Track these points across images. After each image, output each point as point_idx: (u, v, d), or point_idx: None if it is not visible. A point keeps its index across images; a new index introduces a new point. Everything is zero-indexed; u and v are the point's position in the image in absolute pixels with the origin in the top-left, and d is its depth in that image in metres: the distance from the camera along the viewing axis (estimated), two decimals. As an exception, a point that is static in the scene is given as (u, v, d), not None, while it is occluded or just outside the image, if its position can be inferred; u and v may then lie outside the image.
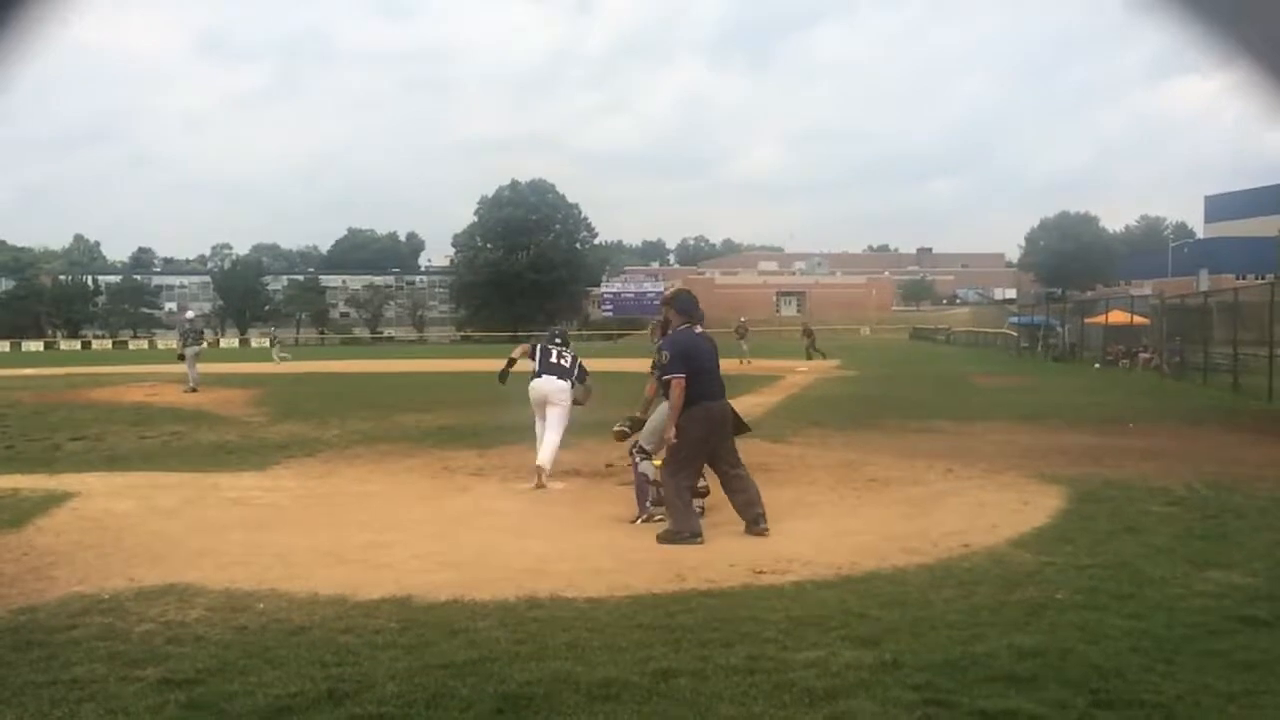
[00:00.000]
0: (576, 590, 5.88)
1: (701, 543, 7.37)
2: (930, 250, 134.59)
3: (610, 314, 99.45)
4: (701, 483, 8.28)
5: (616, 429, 9.37)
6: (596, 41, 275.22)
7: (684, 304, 8.37)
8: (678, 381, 7.78)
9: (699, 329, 8.25)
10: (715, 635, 4.96)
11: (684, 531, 7.49)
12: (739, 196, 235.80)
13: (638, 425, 9.06)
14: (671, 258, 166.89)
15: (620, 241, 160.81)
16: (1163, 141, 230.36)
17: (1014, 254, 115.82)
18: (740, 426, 8.39)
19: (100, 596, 5.77)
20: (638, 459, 8.73)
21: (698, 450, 7.85)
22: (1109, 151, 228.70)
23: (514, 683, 4.27)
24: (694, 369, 7.83)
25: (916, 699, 4.10)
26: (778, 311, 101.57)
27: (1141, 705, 4.04)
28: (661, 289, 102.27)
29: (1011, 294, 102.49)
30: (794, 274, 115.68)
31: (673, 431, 7.73)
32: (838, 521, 8.19)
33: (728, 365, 10.28)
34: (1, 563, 6.78)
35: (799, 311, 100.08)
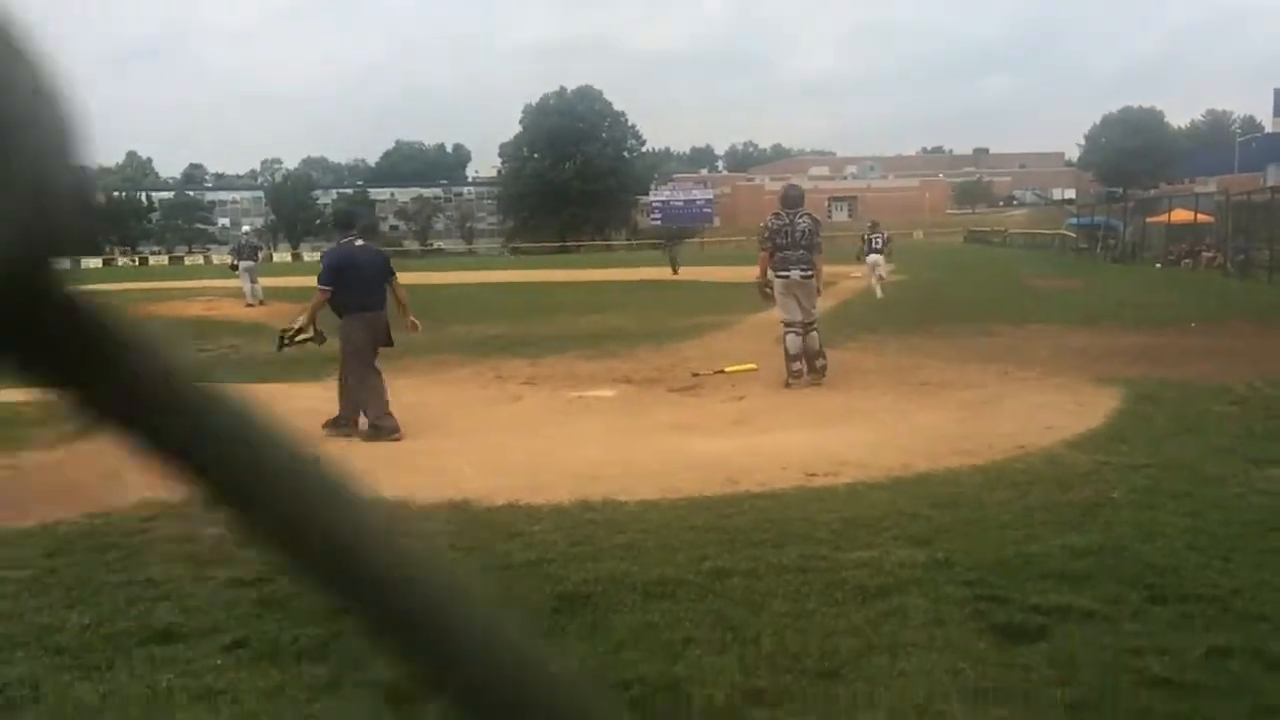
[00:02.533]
0: (629, 494, 5.95)
1: (399, 438, 8.08)
2: (987, 151, 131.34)
3: (659, 222, 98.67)
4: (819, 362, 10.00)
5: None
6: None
7: (342, 218, 10.11)
8: (322, 293, 8.57)
9: (360, 242, 8.94)
10: (768, 536, 5.01)
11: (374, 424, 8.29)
12: (788, 100, 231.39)
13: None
14: (720, 164, 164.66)
15: (668, 149, 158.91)
16: (1232, 31, 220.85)
17: (1074, 153, 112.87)
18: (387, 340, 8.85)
19: (171, 501, 5.95)
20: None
21: (364, 352, 8.50)
22: (1175, 43, 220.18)
23: (571, 582, 4.36)
24: (346, 281, 8.46)
25: (969, 595, 4.13)
26: (829, 217, 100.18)
27: (1198, 599, 4.04)
28: (710, 195, 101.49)
29: (1071, 194, 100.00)
30: (846, 179, 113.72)
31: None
32: (891, 425, 8.17)
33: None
34: (75, 470, 7.00)
35: (851, 217, 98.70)
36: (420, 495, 5.98)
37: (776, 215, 10.64)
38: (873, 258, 25.02)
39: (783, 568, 4.51)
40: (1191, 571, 4.38)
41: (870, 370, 11.18)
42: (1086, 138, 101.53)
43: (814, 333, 10.51)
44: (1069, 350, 12.26)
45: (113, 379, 0.28)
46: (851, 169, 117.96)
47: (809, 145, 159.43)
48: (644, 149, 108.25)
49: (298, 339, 9.20)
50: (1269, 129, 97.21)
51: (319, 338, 9.13)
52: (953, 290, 24.11)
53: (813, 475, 6.37)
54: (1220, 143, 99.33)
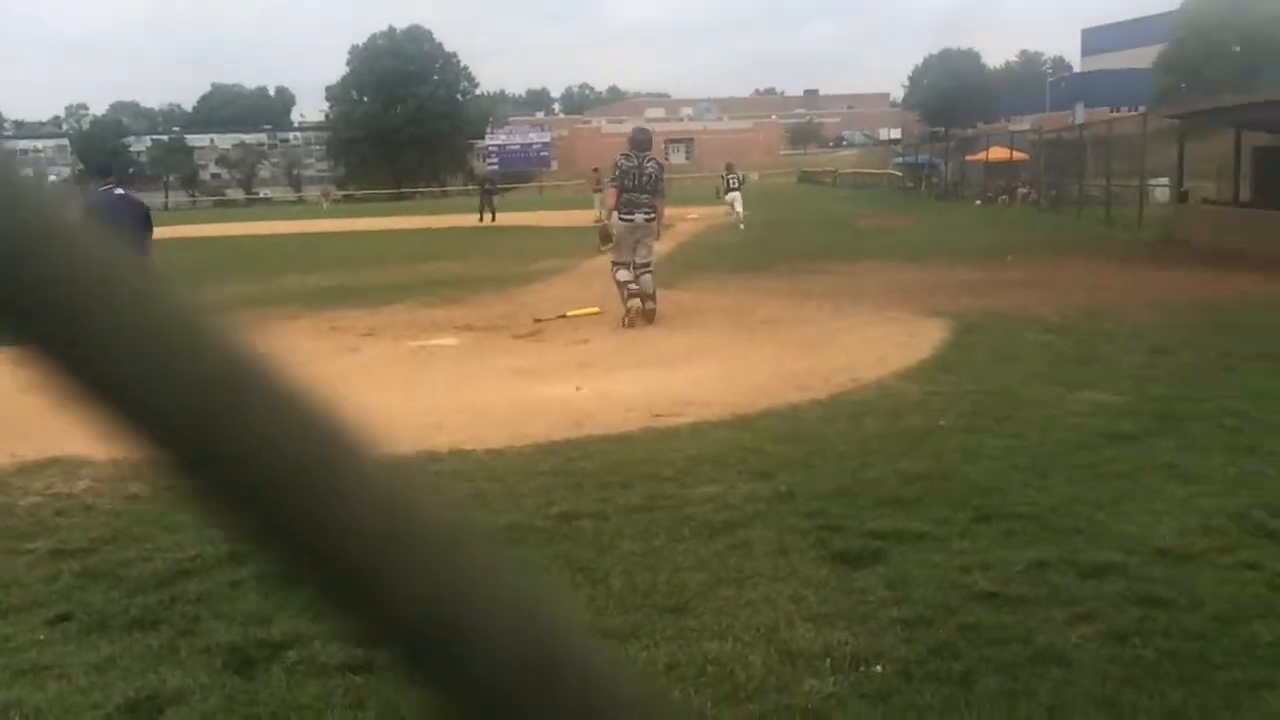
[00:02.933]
0: (476, 442, 5.90)
1: None
2: (817, 92, 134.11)
3: (496, 167, 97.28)
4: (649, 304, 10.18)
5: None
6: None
7: (100, 167, 9.27)
8: None
9: (120, 191, 8.50)
10: (615, 478, 5.05)
11: None
12: (624, 42, 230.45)
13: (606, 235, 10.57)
14: (556, 107, 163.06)
15: (503, 92, 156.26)
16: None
17: (899, 94, 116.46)
18: None
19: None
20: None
21: None
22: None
23: (417, 534, 4.30)
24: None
25: (810, 525, 4.27)
26: (667, 158, 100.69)
27: (1019, 517, 4.29)
28: (547, 139, 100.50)
29: (896, 134, 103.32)
30: (682, 120, 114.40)
31: None
32: (732, 363, 8.33)
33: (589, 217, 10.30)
34: None
35: (688, 159, 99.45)
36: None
37: (626, 156, 10.79)
38: (731, 195, 28.03)
39: (630, 508, 4.56)
40: (1013, 490, 4.64)
41: (711, 310, 11.36)
42: (910, 79, 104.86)
43: (647, 275, 10.61)
44: (898, 285, 12.74)
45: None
46: (687, 111, 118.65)
47: (645, 88, 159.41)
48: (478, 92, 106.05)
49: None
50: (1077, 69, 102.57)
51: None
52: (788, 231, 24.67)
53: (658, 416, 6.44)
54: (1033, 82, 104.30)
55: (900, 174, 51.03)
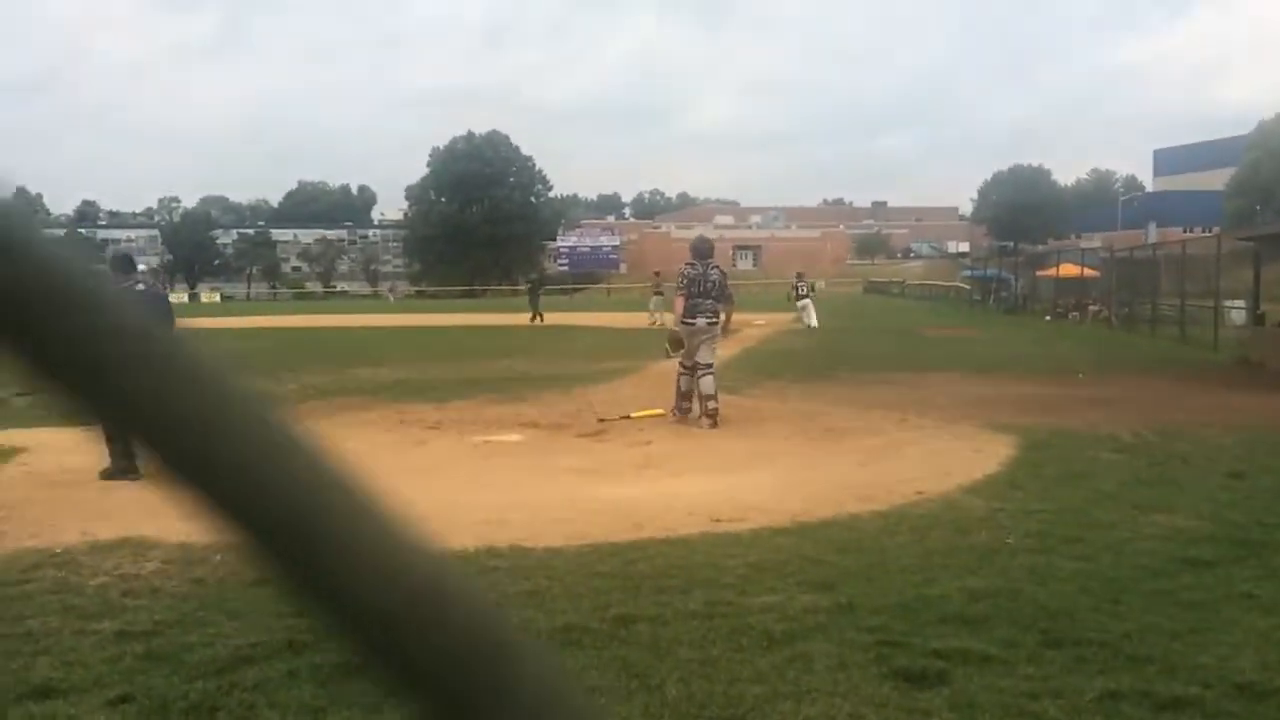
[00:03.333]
0: (535, 540, 5.90)
1: (136, 479, 7.41)
2: (885, 204, 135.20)
3: (566, 268, 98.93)
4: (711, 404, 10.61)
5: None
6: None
7: (121, 262, 9.43)
8: None
9: (142, 286, 8.98)
10: (673, 582, 5.01)
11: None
12: (694, 149, 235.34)
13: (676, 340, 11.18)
14: (627, 211, 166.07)
15: (576, 195, 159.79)
16: (1114, 94, 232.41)
17: (967, 207, 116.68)
18: None
19: (53, 550, 5.70)
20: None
21: None
22: (1063, 104, 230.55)
23: (474, 630, 4.29)
24: None
25: (871, 640, 4.18)
26: (734, 265, 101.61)
27: (1090, 644, 4.15)
28: (617, 242, 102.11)
29: (965, 247, 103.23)
30: (750, 228, 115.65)
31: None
32: (794, 471, 8.27)
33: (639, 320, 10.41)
34: (-50, 518, 6.67)
35: (755, 266, 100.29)
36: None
37: (690, 265, 11.22)
38: (801, 302, 30.47)
39: (688, 613, 4.51)
40: (1084, 614, 4.50)
41: (774, 416, 11.32)
42: (979, 193, 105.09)
43: (708, 377, 10.85)
44: (965, 398, 12.60)
45: (60, 331, 0.26)
46: (756, 219, 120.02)
47: (714, 194, 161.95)
48: (551, 195, 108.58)
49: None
50: (1150, 188, 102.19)
51: None
52: (854, 339, 24.63)
53: (718, 520, 6.40)
54: (1104, 202, 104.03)
55: (968, 286, 50.81)
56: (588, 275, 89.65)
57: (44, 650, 4.11)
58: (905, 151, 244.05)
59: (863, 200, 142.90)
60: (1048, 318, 35.55)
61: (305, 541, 0.33)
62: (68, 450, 9.38)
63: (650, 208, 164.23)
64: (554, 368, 17.23)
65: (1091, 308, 34.16)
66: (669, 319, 24.21)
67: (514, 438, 10.23)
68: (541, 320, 33.29)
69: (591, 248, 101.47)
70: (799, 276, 31.77)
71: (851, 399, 12.72)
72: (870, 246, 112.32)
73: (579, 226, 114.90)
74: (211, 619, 4.45)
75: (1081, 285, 36.64)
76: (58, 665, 3.95)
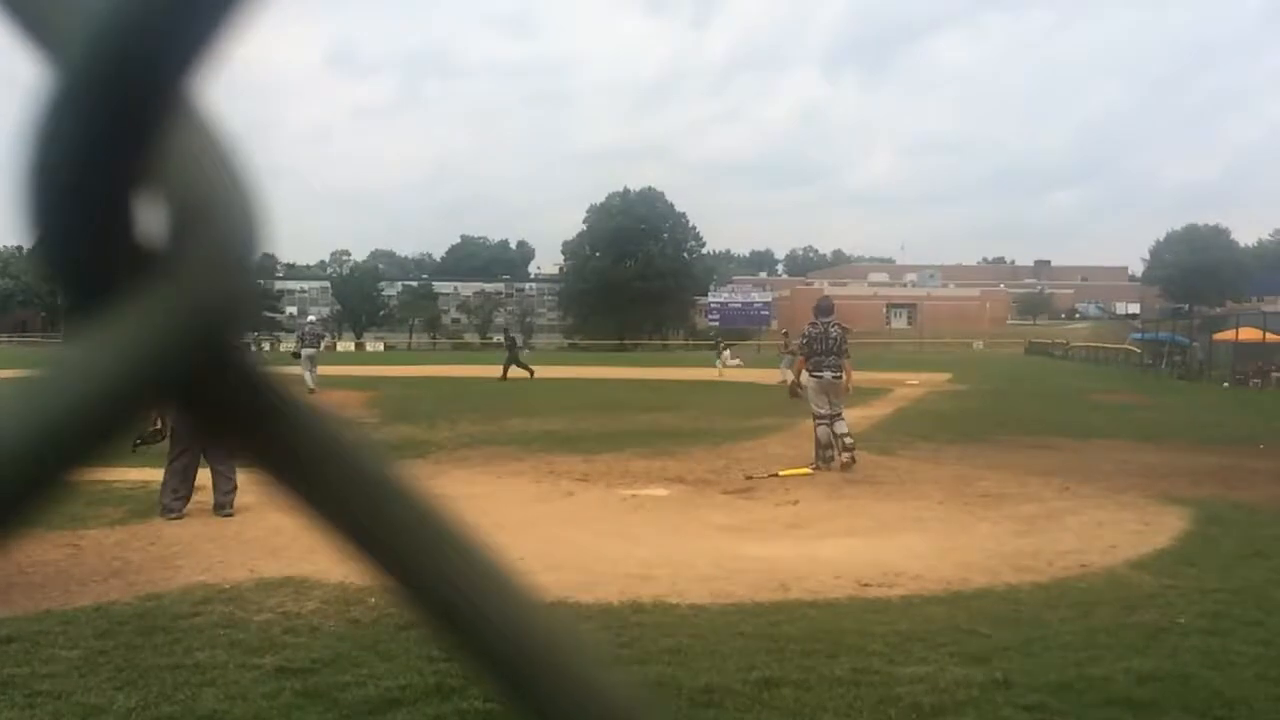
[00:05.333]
0: (679, 596, 5.88)
1: (178, 517, 8.32)
2: (1048, 263, 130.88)
3: (716, 323, 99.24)
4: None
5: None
6: (710, 53, 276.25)
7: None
8: None
9: None
10: (819, 646, 4.90)
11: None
12: (850, 208, 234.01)
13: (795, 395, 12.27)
14: (780, 268, 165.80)
15: (728, 251, 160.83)
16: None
17: (1138, 268, 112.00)
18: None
19: (221, 586, 6.00)
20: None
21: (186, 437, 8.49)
22: (1242, 162, 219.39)
23: (616, 685, 4.29)
24: None
25: (1028, 719, 3.98)
26: (888, 324, 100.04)
27: (1270, 737, 3.85)
28: (769, 299, 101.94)
29: (1135, 309, 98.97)
30: (905, 286, 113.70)
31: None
32: (948, 537, 8.00)
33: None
34: (130, 551, 7.11)
35: (910, 324, 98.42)
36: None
37: (813, 324, 12.16)
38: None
39: (834, 680, 4.40)
40: (1262, 703, 4.19)
41: (927, 479, 11.01)
42: (1151, 253, 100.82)
43: (840, 421, 11.75)
44: (1133, 467, 11.98)
45: (279, 440, 0.30)
46: (911, 276, 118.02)
47: (869, 252, 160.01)
48: (704, 251, 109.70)
49: (148, 437, 8.88)
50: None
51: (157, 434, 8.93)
52: (1013, 402, 23.81)
53: (866, 585, 6.24)
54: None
55: (1138, 350, 48.49)
56: (738, 332, 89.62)
57: (210, 682, 4.31)
58: (1071, 209, 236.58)
59: (1025, 259, 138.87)
60: (1226, 384, 33.57)
61: (448, 601, 0.35)
62: (238, 490, 9.89)
63: (804, 264, 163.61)
64: (702, 423, 17.25)
65: (1275, 374, 32.10)
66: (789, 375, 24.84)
67: (660, 492, 10.25)
68: (504, 379, 31.59)
69: (743, 304, 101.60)
70: (786, 335, 32.25)
71: (1009, 464, 12.26)
72: (1033, 306, 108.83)
73: (731, 283, 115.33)
74: (365, 659, 4.59)
75: (1264, 350, 34.50)
76: (222, 698, 4.13)
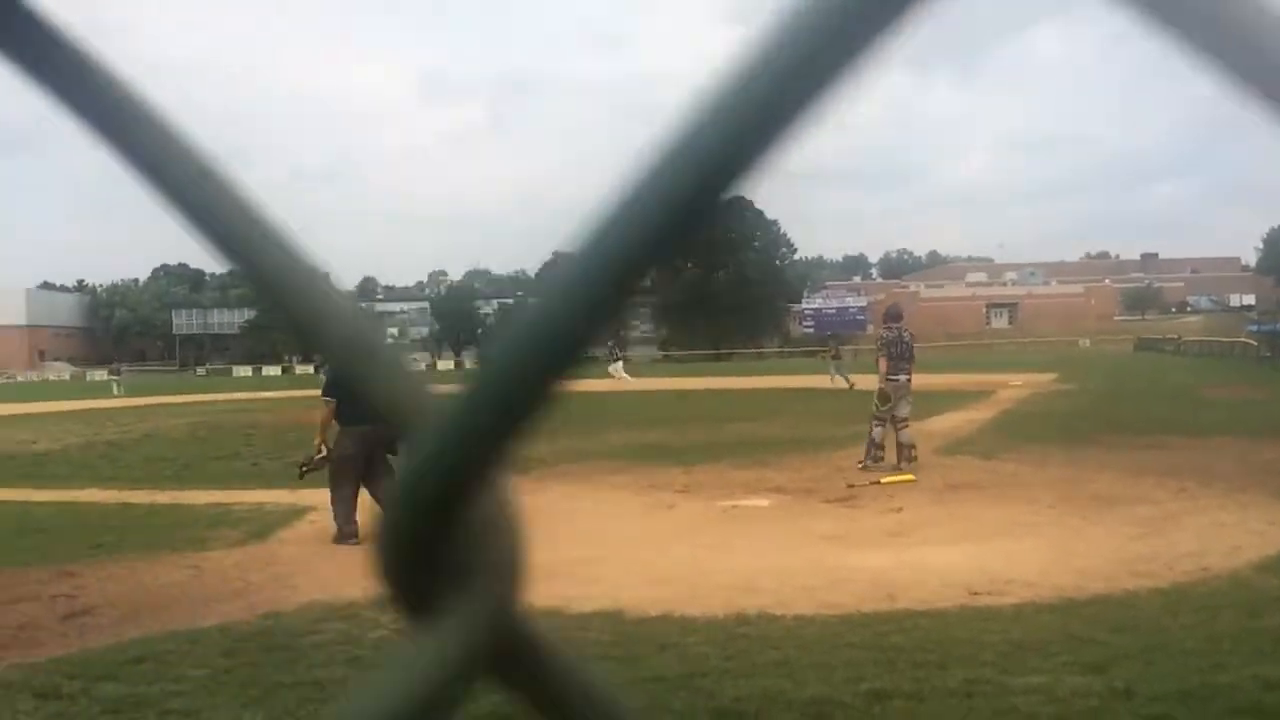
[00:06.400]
0: (784, 607, 5.85)
1: (359, 542, 8.07)
2: (1155, 256, 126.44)
3: (811, 330, 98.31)
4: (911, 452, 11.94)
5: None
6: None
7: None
8: (327, 405, 8.80)
9: None
10: (930, 657, 4.83)
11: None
12: (944, 208, 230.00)
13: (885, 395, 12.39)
14: (874, 272, 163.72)
15: (821, 257, 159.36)
16: None
17: (1251, 257, 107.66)
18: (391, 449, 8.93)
19: (338, 604, 6.17)
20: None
21: (349, 463, 8.61)
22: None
23: (725, 698, 4.30)
24: (344, 394, 8.48)
25: (1151, 730, 3.87)
26: (988, 324, 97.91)
27: None
28: (864, 303, 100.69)
29: (1250, 300, 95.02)
30: (1005, 285, 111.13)
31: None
32: (1059, 542, 7.79)
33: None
34: (249, 572, 7.36)
35: (1011, 324, 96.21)
36: (574, 604, 6.02)
37: (887, 328, 12.81)
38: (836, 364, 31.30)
39: (947, 691, 4.33)
40: (1407, 713, 3.99)
41: (1035, 483, 10.74)
42: (1265, 242, 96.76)
43: (907, 430, 12.26)
44: (1254, 465, 11.50)
45: (541, 680, 0.35)
46: (1011, 275, 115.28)
47: (965, 252, 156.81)
48: (796, 257, 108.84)
49: (314, 464, 9.13)
50: None
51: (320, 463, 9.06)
52: (1122, 400, 23.08)
53: (976, 594, 6.12)
54: None
55: (1255, 343, 46.55)
56: (834, 338, 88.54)
57: (329, 698, 4.44)
58: (1177, 200, 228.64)
59: (1130, 253, 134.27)
60: (1352, 375, 32.00)
61: None
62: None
63: (898, 267, 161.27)
64: (799, 431, 17.11)
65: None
66: (839, 382, 27.20)
67: (761, 503, 10.22)
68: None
69: (837, 309, 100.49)
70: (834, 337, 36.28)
71: (1121, 465, 11.89)
72: (1140, 301, 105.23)
73: (824, 288, 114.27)
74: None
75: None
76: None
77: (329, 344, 0.35)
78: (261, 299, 0.34)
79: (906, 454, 11.99)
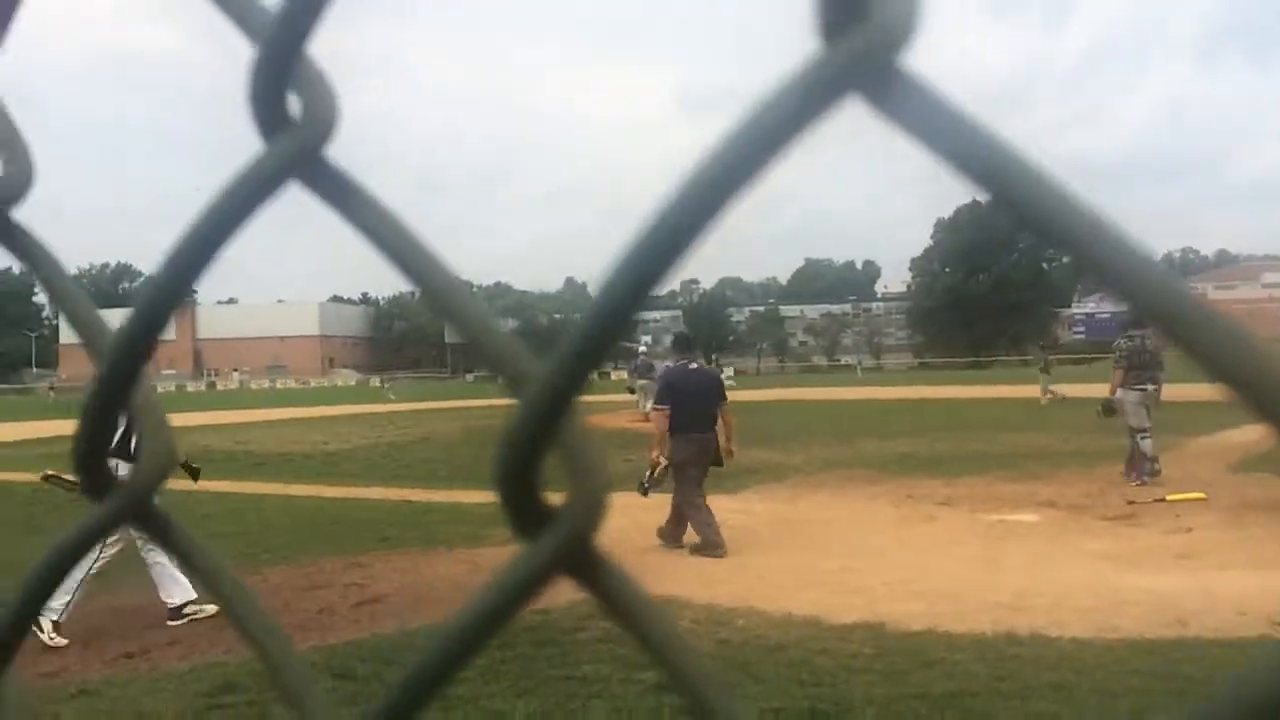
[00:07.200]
0: (1059, 629, 5.54)
1: (721, 555, 8.11)
2: None
3: (1082, 336, 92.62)
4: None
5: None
6: (1063, 53, 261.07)
7: (681, 342, 9.72)
8: (660, 412, 8.79)
9: (695, 365, 9.21)
10: (1228, 690, 4.43)
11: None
12: (1232, 204, 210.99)
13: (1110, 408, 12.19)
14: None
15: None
16: None
17: None
18: (716, 461, 8.93)
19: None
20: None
21: (688, 470, 8.63)
22: None
23: (997, 720, 4.12)
24: (679, 401, 8.63)
25: None
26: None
27: None
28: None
29: None
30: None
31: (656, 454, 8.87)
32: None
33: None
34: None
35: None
36: (834, 614, 5.95)
37: (1129, 336, 12.11)
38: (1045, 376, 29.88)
39: (1248, 729, 3.96)
40: None
41: (1351, 505, 9.64)
42: None
43: (1148, 440, 11.76)
44: None
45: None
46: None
47: (1261, 250, 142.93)
48: (1065, 260, 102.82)
49: (657, 478, 8.91)
50: None
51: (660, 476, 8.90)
52: None
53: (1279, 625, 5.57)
54: None
55: None
56: (1108, 344, 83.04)
57: (596, 694, 4.60)
58: None
59: None
60: None
61: None
62: (616, 513, 10.43)
63: (1182, 267, 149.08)
64: (1073, 442, 16.15)
65: None
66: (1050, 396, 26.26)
67: (1030, 518, 9.72)
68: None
69: (1112, 314, 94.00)
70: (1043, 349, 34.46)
71: None
72: None
73: (1099, 291, 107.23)
74: (737, 680, 4.70)
75: None
76: (610, 710, 4.40)
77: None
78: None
79: (1150, 465, 11.65)
